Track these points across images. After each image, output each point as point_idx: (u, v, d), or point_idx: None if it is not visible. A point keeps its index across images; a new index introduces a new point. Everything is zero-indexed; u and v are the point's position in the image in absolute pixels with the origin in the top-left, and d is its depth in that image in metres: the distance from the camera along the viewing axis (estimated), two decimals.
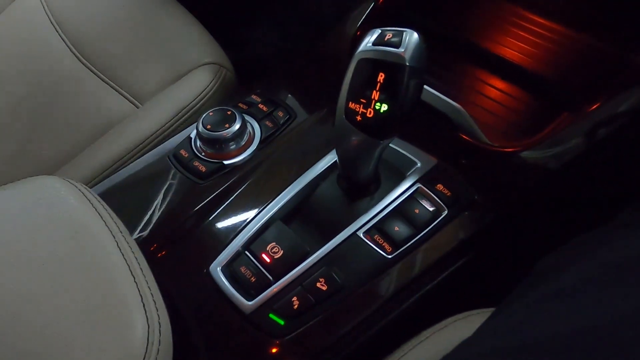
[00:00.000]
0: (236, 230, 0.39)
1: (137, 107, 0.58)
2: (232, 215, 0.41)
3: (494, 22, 0.52)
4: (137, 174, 0.45)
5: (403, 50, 0.31)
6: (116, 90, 0.59)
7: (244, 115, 0.46)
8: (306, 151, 0.44)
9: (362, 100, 0.34)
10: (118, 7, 0.65)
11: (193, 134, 0.46)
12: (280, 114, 0.47)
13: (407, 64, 0.31)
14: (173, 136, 0.49)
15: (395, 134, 0.35)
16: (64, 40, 0.66)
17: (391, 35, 0.32)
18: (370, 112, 0.34)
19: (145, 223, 0.42)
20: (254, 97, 0.50)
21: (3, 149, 0.60)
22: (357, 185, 0.40)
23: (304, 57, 0.56)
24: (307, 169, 0.42)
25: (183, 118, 0.53)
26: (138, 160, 0.47)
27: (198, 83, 0.55)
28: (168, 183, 0.44)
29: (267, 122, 0.47)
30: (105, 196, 0.39)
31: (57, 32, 0.67)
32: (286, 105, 0.48)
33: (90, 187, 0.42)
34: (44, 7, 0.69)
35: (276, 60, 0.83)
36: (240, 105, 0.49)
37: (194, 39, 0.62)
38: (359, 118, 0.34)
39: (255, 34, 0.91)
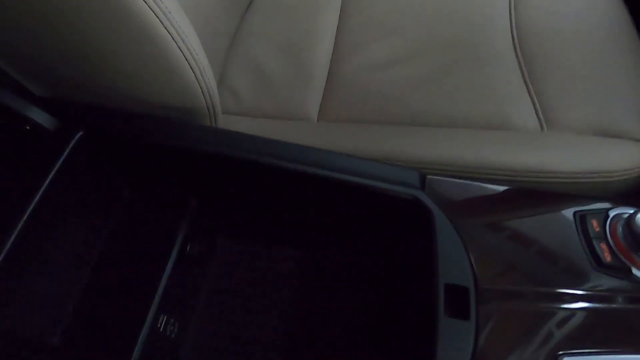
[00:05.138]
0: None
1: (541, 129, 0.54)
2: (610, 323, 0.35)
3: None
4: (528, 202, 0.42)
5: None
6: (532, 99, 0.56)
7: None
8: None
9: None
10: (589, 28, 0.60)
11: (613, 213, 0.41)
12: None
13: None
14: (573, 191, 0.45)
15: None
16: (511, 25, 0.65)
17: None
18: None
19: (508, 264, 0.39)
20: None
21: (418, 70, 0.63)
22: None
23: None
24: None
25: (590, 180, 0.47)
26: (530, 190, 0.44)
27: (626, 157, 0.48)
28: (557, 237, 0.40)
29: None
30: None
31: (510, 15, 0.66)
32: None
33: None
34: None
35: None
36: None
37: None
38: None
39: None
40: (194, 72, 0.39)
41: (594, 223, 0.40)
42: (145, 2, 0.33)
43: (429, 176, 0.43)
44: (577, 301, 0.36)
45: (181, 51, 0.36)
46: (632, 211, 0.39)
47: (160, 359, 0.41)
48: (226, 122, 0.61)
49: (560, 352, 0.33)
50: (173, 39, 0.35)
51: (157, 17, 0.34)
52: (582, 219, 0.41)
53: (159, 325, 0.40)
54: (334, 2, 0.76)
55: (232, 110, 0.67)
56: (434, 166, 0.50)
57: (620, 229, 0.39)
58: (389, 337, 0.42)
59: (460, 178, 0.45)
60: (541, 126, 0.54)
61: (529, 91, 0.57)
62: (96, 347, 0.37)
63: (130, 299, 0.40)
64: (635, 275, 0.37)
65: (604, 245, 0.39)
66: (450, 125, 0.56)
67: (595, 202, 0.42)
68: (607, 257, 0.38)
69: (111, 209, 0.45)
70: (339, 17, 0.74)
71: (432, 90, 0.60)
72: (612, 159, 0.49)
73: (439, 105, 0.58)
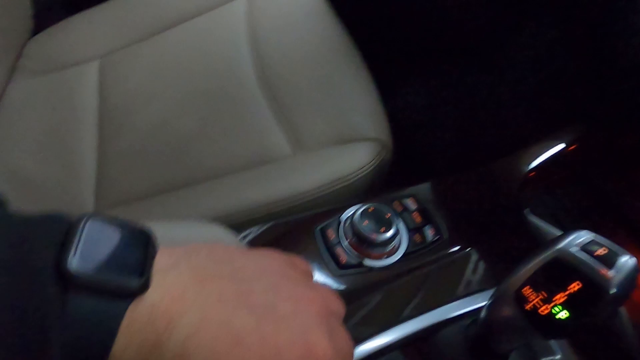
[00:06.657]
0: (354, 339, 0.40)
1: (294, 154, 0.60)
2: (354, 319, 0.41)
3: None
4: (285, 232, 0.47)
5: (613, 274, 0.30)
6: (282, 128, 0.62)
7: (398, 222, 0.46)
8: (446, 284, 0.44)
9: (542, 293, 0.32)
10: (314, 49, 0.68)
11: (343, 218, 0.47)
12: (432, 231, 0.47)
13: (611, 292, 0.30)
14: (321, 205, 0.51)
15: (562, 339, 0.34)
16: (252, 57, 0.70)
17: (605, 251, 0.31)
18: (545, 309, 0.32)
19: None
20: (410, 200, 0.50)
21: (178, 130, 0.65)
22: (487, 351, 0.39)
23: (466, 174, 0.55)
24: (444, 304, 0.41)
25: (335, 188, 0.54)
26: (289, 218, 0.49)
27: (359, 158, 0.57)
28: (310, 254, 0.45)
29: (415, 236, 0.47)
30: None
31: (250, 47, 0.71)
32: (438, 222, 0.48)
33: (235, 225, 0.46)
34: (248, 20, 0.74)
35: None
36: (396, 204, 0.49)
37: (368, 110, 0.63)
38: (528, 307, 0.33)
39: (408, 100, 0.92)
40: None
41: (330, 232, 0.46)
42: None
43: None
44: None
45: None
46: (353, 212, 0.46)
47: None
48: None
49: None
50: None
51: None
52: (322, 231, 0.47)
53: None
54: (91, 82, 0.75)
55: None
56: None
57: (346, 228, 0.46)
58: None
59: (232, 227, 0.49)
60: (293, 151, 0.60)
61: (278, 122, 0.63)
62: None
63: None
64: (366, 265, 0.44)
65: (339, 250, 0.45)
66: (217, 176, 0.59)
67: (331, 213, 0.48)
68: (343, 259, 0.44)
69: None
70: (99, 97, 0.73)
71: (197, 147, 0.63)
72: (347, 163, 0.56)
73: (205, 159, 0.62)
